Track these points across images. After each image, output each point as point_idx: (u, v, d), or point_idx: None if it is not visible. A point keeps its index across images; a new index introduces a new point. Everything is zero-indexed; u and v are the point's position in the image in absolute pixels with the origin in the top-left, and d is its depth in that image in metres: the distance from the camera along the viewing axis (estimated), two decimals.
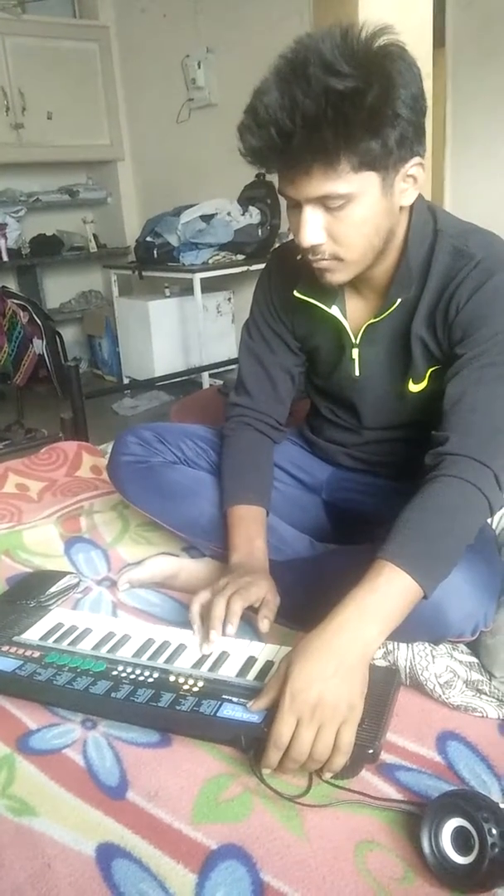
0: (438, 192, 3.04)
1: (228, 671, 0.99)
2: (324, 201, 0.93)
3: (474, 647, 1.06)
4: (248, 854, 0.79)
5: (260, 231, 3.71)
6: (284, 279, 1.18)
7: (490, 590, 1.01)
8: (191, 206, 3.73)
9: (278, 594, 1.09)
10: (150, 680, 0.98)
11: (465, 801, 0.76)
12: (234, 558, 1.14)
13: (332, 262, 1.00)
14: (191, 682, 0.96)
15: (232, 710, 0.90)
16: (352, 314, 1.14)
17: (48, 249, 4.65)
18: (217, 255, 3.69)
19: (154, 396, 4.08)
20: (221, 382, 3.08)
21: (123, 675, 0.99)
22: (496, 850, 0.71)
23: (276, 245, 3.29)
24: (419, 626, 0.95)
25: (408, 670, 1.01)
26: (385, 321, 1.10)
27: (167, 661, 1.02)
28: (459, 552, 0.94)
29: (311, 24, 3.25)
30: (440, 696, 0.99)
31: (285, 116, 0.85)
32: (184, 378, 3.71)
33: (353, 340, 1.15)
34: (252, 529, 1.16)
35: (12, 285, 4.58)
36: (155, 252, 3.82)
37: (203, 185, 4.06)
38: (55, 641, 1.09)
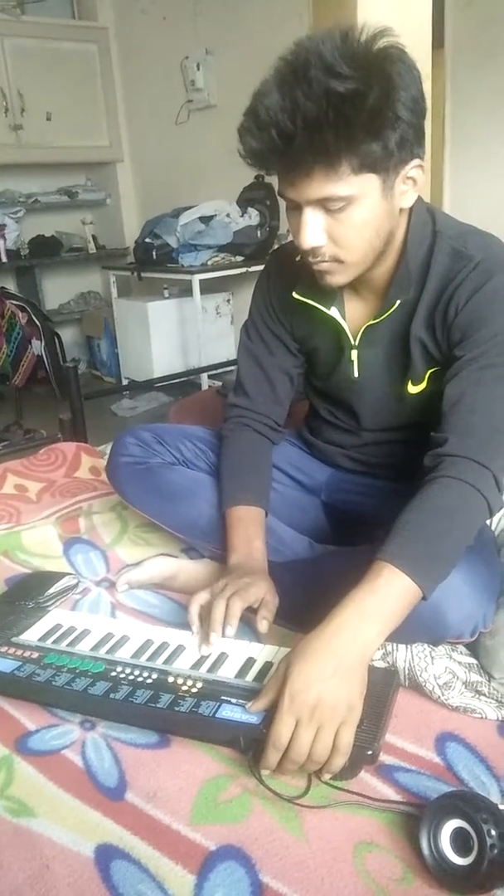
0: (437, 194, 3.04)
1: (227, 672, 0.99)
2: (324, 203, 0.93)
3: (473, 649, 1.06)
4: (246, 855, 0.79)
5: (259, 232, 3.72)
6: (283, 280, 1.18)
7: (489, 591, 1.01)
8: (190, 207, 3.73)
9: (277, 595, 1.09)
10: (149, 681, 0.97)
11: (465, 803, 0.76)
12: (233, 559, 1.14)
13: (333, 265, 1.00)
14: (189, 683, 0.96)
15: (231, 711, 0.90)
16: (351, 315, 1.14)
17: (47, 250, 4.65)
18: (216, 256, 3.69)
19: (153, 397, 4.08)
20: (220, 384, 3.08)
21: (122, 675, 0.99)
22: (495, 851, 0.71)
23: (275, 246, 3.30)
24: (418, 627, 0.95)
25: (407, 671, 1.01)
26: (384, 323, 1.10)
27: (166, 661, 1.02)
28: (458, 553, 0.94)
29: (311, 25, 3.25)
30: (439, 697, 0.99)
31: (286, 118, 0.85)
32: (182, 379, 3.71)
33: (352, 342, 1.15)
34: (251, 530, 1.16)
35: (11, 286, 4.57)
36: (154, 253, 3.82)
37: (202, 187, 4.06)
38: (54, 642, 1.09)
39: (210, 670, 1.00)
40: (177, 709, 0.92)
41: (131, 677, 0.98)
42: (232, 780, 0.89)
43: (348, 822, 0.83)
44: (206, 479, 1.29)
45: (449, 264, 1.02)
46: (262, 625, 1.04)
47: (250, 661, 1.01)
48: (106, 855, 0.80)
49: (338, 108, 0.83)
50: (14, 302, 3.83)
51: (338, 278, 1.02)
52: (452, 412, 0.99)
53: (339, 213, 0.93)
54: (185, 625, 1.08)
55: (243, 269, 3.72)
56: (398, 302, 1.07)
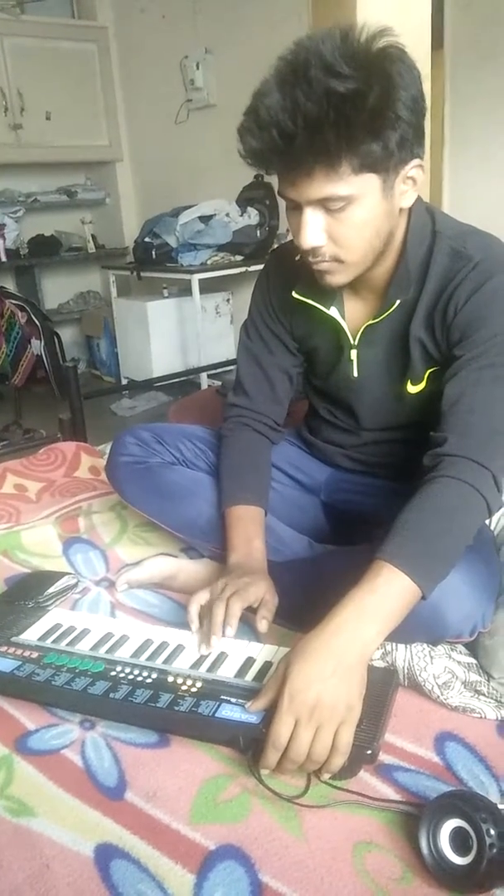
0: (437, 194, 3.04)
1: (227, 672, 0.99)
2: (324, 203, 0.93)
3: (473, 648, 1.06)
4: (246, 854, 0.79)
5: (258, 232, 3.71)
6: (283, 280, 1.18)
7: (488, 591, 1.01)
8: (189, 206, 3.73)
9: (277, 594, 1.09)
10: (149, 680, 0.98)
11: (464, 802, 0.76)
12: (233, 558, 1.14)
13: (333, 264, 1.00)
14: (189, 682, 0.96)
15: (230, 711, 0.90)
16: (350, 315, 1.14)
17: (46, 250, 4.65)
18: (215, 255, 3.69)
19: (152, 397, 4.08)
20: (220, 383, 3.08)
21: (122, 675, 0.99)
22: (494, 850, 0.71)
23: (275, 246, 3.30)
24: (417, 626, 0.95)
25: (406, 671, 1.01)
26: (384, 322, 1.10)
27: (165, 661, 1.03)
28: (458, 553, 0.94)
29: (310, 25, 3.26)
30: (438, 696, 0.99)
31: (287, 118, 0.85)
32: (182, 379, 3.71)
33: (352, 341, 1.15)
34: (250, 529, 1.17)
35: (10, 286, 4.57)
36: (153, 253, 3.82)
37: (201, 186, 4.06)
38: (53, 642, 1.09)
39: (209, 670, 1.00)
40: (176, 708, 0.92)
41: (131, 677, 0.98)
42: (231, 780, 0.89)
43: (348, 821, 0.83)
44: (205, 478, 1.29)
45: (448, 264, 1.03)
46: (262, 624, 1.04)
47: (250, 661, 1.02)
48: (106, 854, 0.80)
49: (338, 107, 0.83)
50: (13, 301, 3.83)
51: (338, 278, 1.02)
52: (451, 412, 0.99)
53: (340, 212, 0.93)
54: (184, 624, 1.08)
55: (243, 269, 3.72)
56: (398, 302, 1.07)
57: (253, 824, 0.83)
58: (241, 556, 1.13)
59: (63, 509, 1.64)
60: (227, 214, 3.66)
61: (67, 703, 1.00)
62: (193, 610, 1.06)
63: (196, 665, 1.01)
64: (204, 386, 3.70)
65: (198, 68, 3.95)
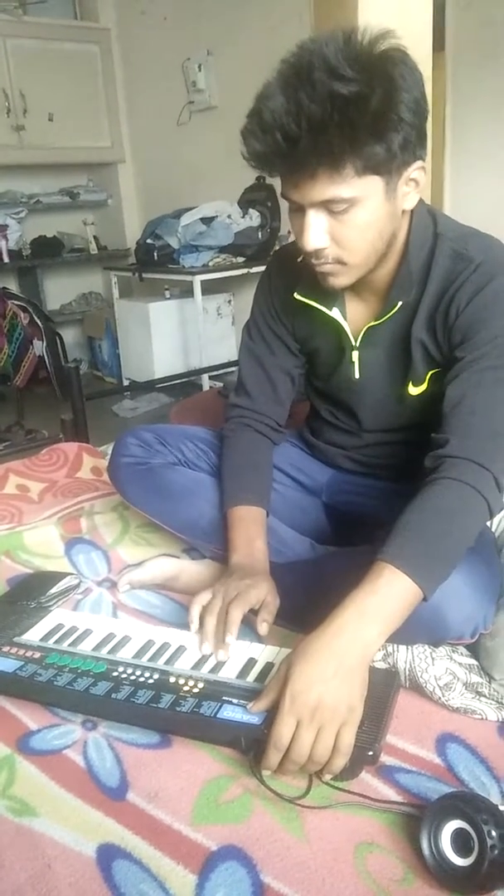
0: (438, 195, 3.05)
1: (228, 673, 1.00)
2: (328, 205, 0.93)
3: (474, 650, 1.06)
4: (248, 855, 0.79)
5: (260, 234, 3.72)
6: (285, 281, 1.18)
7: (490, 592, 1.01)
8: (191, 208, 3.73)
9: (278, 595, 1.09)
10: (151, 681, 0.98)
11: (465, 804, 0.76)
12: (234, 559, 1.14)
13: (336, 266, 1.00)
14: (191, 683, 0.97)
15: (232, 712, 0.90)
16: (352, 317, 1.14)
17: (49, 251, 4.65)
18: (217, 257, 3.69)
19: (154, 398, 4.09)
20: (221, 384, 3.08)
21: (124, 676, 0.99)
22: (496, 851, 0.72)
23: (276, 248, 3.30)
24: (419, 628, 0.95)
25: (407, 672, 1.01)
26: (385, 324, 1.10)
27: (167, 662, 1.03)
28: (459, 554, 0.94)
29: (311, 27, 3.26)
30: (440, 698, 0.99)
31: (291, 121, 0.85)
32: (184, 380, 3.71)
33: (353, 343, 1.15)
34: (252, 530, 1.17)
35: (13, 286, 4.58)
36: (155, 254, 3.82)
37: (203, 188, 4.06)
38: (56, 642, 1.09)
39: (211, 671, 1.00)
40: (178, 709, 0.92)
41: (133, 677, 0.99)
42: (233, 781, 0.89)
43: (349, 822, 0.83)
44: (207, 479, 1.29)
45: (450, 266, 1.03)
46: (262, 627, 1.04)
47: (251, 662, 1.02)
48: (108, 855, 0.81)
49: (342, 110, 0.84)
50: (16, 302, 3.84)
51: (341, 280, 1.02)
52: (453, 414, 1.00)
53: (343, 214, 0.93)
54: (186, 625, 1.08)
55: (244, 271, 3.72)
56: (399, 303, 1.07)
57: (254, 825, 0.83)
58: (243, 556, 1.14)
59: (65, 510, 1.64)
60: (229, 216, 3.66)
61: (69, 704, 1.00)
62: (195, 611, 1.06)
63: (198, 666, 1.01)
64: (205, 387, 3.70)
65: (200, 70, 3.95)
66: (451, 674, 1.01)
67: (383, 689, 0.92)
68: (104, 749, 0.95)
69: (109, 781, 0.91)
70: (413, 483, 1.00)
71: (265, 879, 0.77)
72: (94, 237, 4.83)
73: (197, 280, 3.65)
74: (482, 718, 0.98)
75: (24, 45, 4.25)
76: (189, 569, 1.32)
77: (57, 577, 1.33)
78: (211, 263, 3.68)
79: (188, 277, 3.69)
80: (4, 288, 4.07)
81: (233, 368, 2.39)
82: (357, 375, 1.18)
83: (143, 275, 3.99)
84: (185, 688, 0.96)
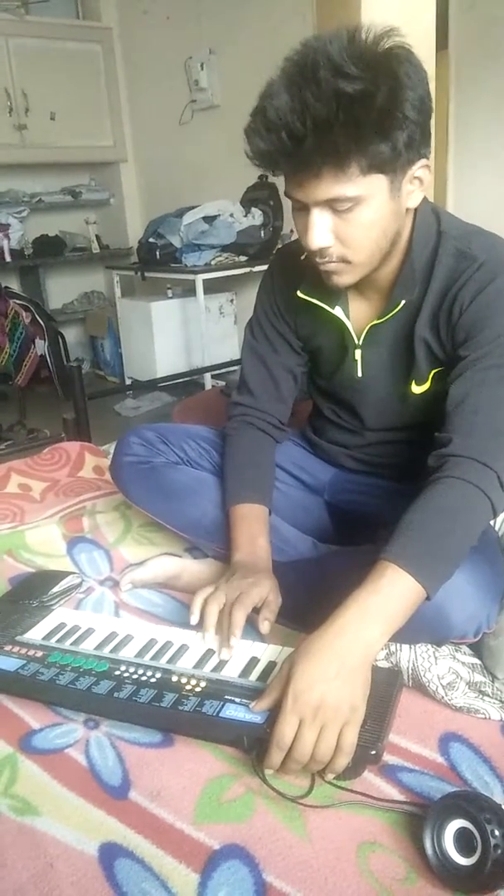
0: (441, 194, 3.04)
1: (231, 672, 1.00)
2: (332, 204, 0.93)
3: (477, 649, 1.06)
4: (250, 854, 0.79)
5: (262, 232, 3.72)
6: (287, 279, 1.18)
7: (493, 591, 1.01)
8: (193, 207, 3.73)
9: (280, 594, 1.09)
10: (153, 680, 0.98)
11: (468, 803, 0.76)
12: (237, 557, 1.14)
13: (340, 265, 1.00)
14: (193, 682, 0.96)
15: (234, 711, 0.90)
16: (355, 315, 1.14)
17: (51, 250, 4.66)
18: (219, 256, 3.69)
19: (156, 397, 4.09)
20: (224, 383, 3.09)
21: (126, 675, 0.99)
22: (499, 851, 0.71)
23: (279, 246, 3.30)
24: (422, 627, 0.95)
25: (410, 672, 1.01)
26: (388, 322, 1.10)
27: (170, 661, 1.03)
28: (462, 554, 0.94)
29: (314, 26, 3.26)
30: (443, 697, 0.99)
31: (296, 120, 0.85)
32: (186, 379, 3.72)
33: (356, 341, 1.15)
34: (254, 528, 1.17)
35: (15, 286, 4.58)
36: (157, 253, 3.82)
37: (205, 187, 4.06)
38: (58, 641, 1.09)
39: (214, 670, 1.00)
40: (180, 708, 0.92)
41: (135, 676, 0.99)
42: (235, 780, 0.89)
43: (352, 821, 0.83)
44: (209, 478, 1.29)
45: (453, 265, 1.03)
46: (264, 626, 1.04)
47: (254, 661, 1.02)
48: (110, 853, 0.80)
49: (348, 108, 0.83)
50: (18, 301, 3.84)
51: (345, 278, 1.02)
52: (456, 412, 0.99)
53: (347, 213, 0.93)
54: (188, 624, 1.08)
55: (247, 269, 3.72)
56: (402, 302, 1.07)
57: (257, 824, 0.83)
58: (246, 554, 1.14)
59: (67, 509, 1.64)
60: (231, 215, 3.66)
61: (71, 703, 1.00)
62: (197, 603, 1.06)
63: (200, 665, 1.01)
64: (208, 386, 3.70)
65: (202, 69, 3.95)
66: (455, 673, 1.01)
67: (386, 688, 0.92)
68: (106, 748, 0.95)
69: (112, 780, 0.90)
70: (416, 482, 1.00)
71: (267, 878, 0.77)
72: (97, 236, 4.83)
73: (199, 279, 3.65)
74: (485, 718, 0.98)
75: (27, 44, 4.25)
76: (191, 568, 1.32)
77: (59, 576, 1.33)
78: (213, 262, 3.68)
79: (190, 276, 3.69)
80: (6, 287, 4.07)
81: (235, 367, 2.39)
82: (360, 374, 1.18)
83: (146, 274, 3.99)
84: (188, 687, 0.96)
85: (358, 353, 1.16)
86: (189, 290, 3.96)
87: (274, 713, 0.86)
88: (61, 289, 5.03)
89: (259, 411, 1.27)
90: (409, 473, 1.13)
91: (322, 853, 0.79)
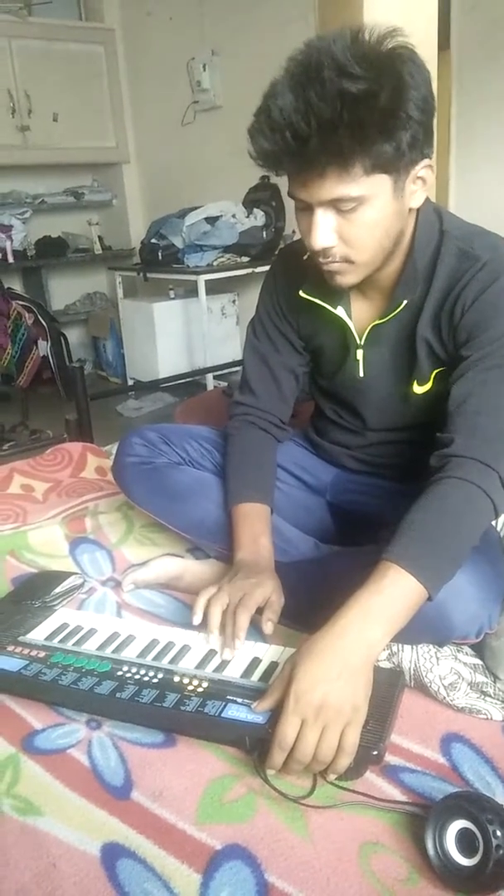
0: (443, 194, 3.05)
1: (233, 672, 1.00)
2: (336, 204, 0.93)
3: (479, 649, 1.06)
4: (252, 854, 0.79)
5: (265, 233, 3.72)
6: (290, 279, 1.18)
7: (494, 592, 1.01)
8: (195, 208, 3.73)
9: (283, 594, 1.09)
10: (155, 680, 0.98)
11: (470, 803, 0.76)
12: (240, 556, 1.14)
13: (343, 265, 1.00)
14: (195, 682, 0.97)
15: (236, 711, 0.90)
16: (357, 315, 1.14)
17: (53, 251, 4.66)
18: (222, 257, 3.69)
19: (158, 398, 4.09)
20: (226, 384, 3.09)
21: (128, 675, 0.99)
22: (500, 851, 0.71)
23: (281, 246, 3.30)
24: (423, 627, 0.95)
25: (412, 672, 1.01)
26: (390, 322, 1.10)
27: (172, 661, 1.03)
28: (464, 554, 0.94)
29: (316, 27, 3.25)
30: (444, 697, 0.99)
31: (300, 119, 0.85)
32: (188, 380, 3.72)
33: (358, 341, 1.15)
34: (257, 527, 1.17)
35: (17, 287, 4.59)
36: (160, 254, 3.83)
37: (208, 188, 4.07)
38: (60, 641, 1.09)
39: (216, 670, 1.00)
40: (182, 708, 0.92)
41: (137, 676, 0.99)
42: (237, 780, 0.89)
43: (353, 822, 0.83)
44: (211, 478, 1.29)
45: (455, 265, 1.03)
46: (267, 626, 1.04)
47: (256, 661, 1.02)
48: (112, 854, 0.80)
49: (351, 108, 0.83)
50: (20, 302, 3.84)
51: (348, 278, 1.02)
52: (458, 413, 0.99)
53: (351, 213, 0.93)
54: (190, 625, 1.08)
55: (249, 270, 3.73)
56: (404, 302, 1.07)
57: (259, 824, 0.83)
58: (248, 553, 1.14)
59: (69, 509, 1.64)
60: (234, 216, 3.67)
61: (74, 703, 1.00)
62: (200, 602, 1.06)
63: (202, 665, 1.01)
64: (210, 387, 3.71)
65: (204, 70, 3.96)
66: (456, 673, 1.01)
67: (388, 688, 0.92)
68: (108, 748, 0.95)
69: (114, 780, 0.91)
70: (417, 482, 1.00)
71: (269, 879, 0.77)
72: (99, 237, 4.83)
73: (201, 280, 3.65)
74: (487, 718, 0.98)
75: (29, 45, 4.26)
76: (193, 568, 1.32)
77: (61, 576, 1.34)
78: (215, 263, 3.68)
79: (192, 277, 3.70)
80: (9, 288, 4.07)
81: (237, 368, 2.39)
82: (361, 374, 1.18)
83: (148, 275, 4.00)
84: (190, 687, 0.96)
85: (360, 353, 1.16)
86: (191, 291, 3.96)
87: (276, 713, 0.86)
88: (64, 290, 5.04)
89: (261, 411, 1.27)
90: (411, 474, 1.13)
91: (324, 853, 0.79)
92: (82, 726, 0.99)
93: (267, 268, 1.30)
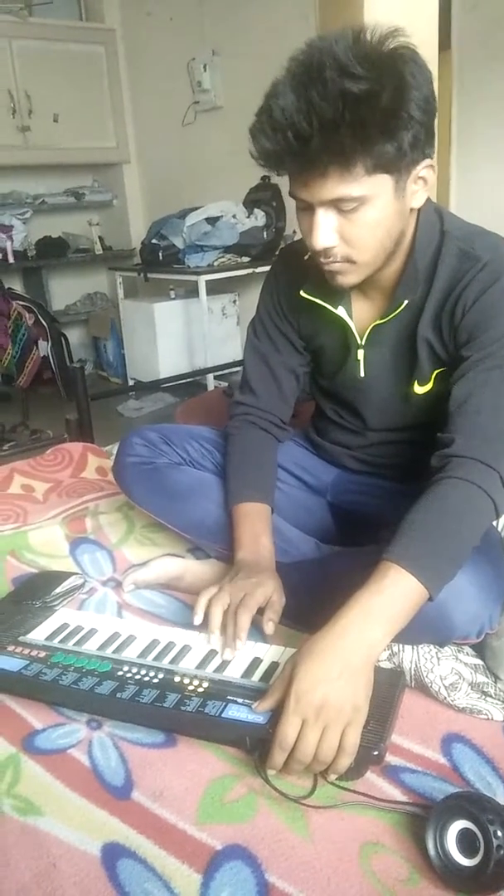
0: (444, 194, 3.05)
1: (233, 672, 1.00)
2: (337, 204, 0.93)
3: (480, 649, 1.06)
4: (252, 855, 0.79)
5: (265, 233, 3.72)
6: (290, 279, 1.18)
7: (495, 592, 1.01)
8: (196, 208, 3.73)
9: (284, 594, 1.09)
10: (156, 680, 0.98)
11: (471, 804, 0.76)
12: (240, 555, 1.14)
13: (344, 265, 1.00)
14: (196, 682, 0.97)
15: (237, 711, 0.90)
16: (358, 315, 1.14)
17: (54, 251, 4.66)
18: (222, 257, 3.69)
19: (159, 398, 4.09)
20: (226, 384, 3.08)
21: (129, 675, 0.99)
22: (501, 852, 0.71)
23: (282, 246, 3.30)
24: (424, 627, 0.95)
25: (413, 672, 1.01)
26: (391, 323, 1.10)
27: (172, 661, 1.03)
28: (465, 554, 0.94)
29: (317, 27, 3.25)
30: (445, 698, 0.99)
31: (302, 119, 0.85)
32: (189, 380, 3.72)
33: (359, 341, 1.15)
34: (257, 526, 1.17)
35: (18, 287, 4.59)
36: (160, 254, 3.83)
37: (208, 188, 4.07)
38: (61, 641, 1.09)
39: (216, 670, 1.00)
40: (183, 708, 0.92)
41: (137, 677, 0.99)
42: (238, 780, 0.89)
43: (354, 822, 0.83)
44: (212, 479, 1.29)
45: (456, 265, 1.03)
46: (268, 627, 1.04)
47: (256, 661, 1.02)
48: (112, 854, 0.80)
49: (353, 108, 0.83)
50: (21, 303, 3.84)
51: (349, 278, 1.02)
52: (459, 413, 0.99)
53: (352, 213, 0.93)
54: (191, 625, 1.08)
55: (249, 270, 3.73)
56: (405, 302, 1.07)
57: (259, 824, 0.83)
58: (249, 552, 1.14)
59: (70, 510, 1.64)
60: (234, 216, 3.67)
61: (74, 703, 1.00)
62: (202, 602, 1.06)
63: (203, 665, 1.01)
64: (210, 387, 3.71)
65: (205, 70, 3.96)
66: (457, 674, 1.01)
67: (388, 688, 0.92)
68: (109, 748, 0.95)
69: (114, 781, 0.90)
70: (418, 483, 1.00)
71: (270, 879, 0.77)
72: (100, 237, 4.83)
73: (202, 280, 3.65)
74: (488, 718, 0.98)
75: (30, 46, 4.26)
76: (194, 568, 1.32)
77: (62, 576, 1.34)
78: (216, 263, 3.68)
79: (193, 277, 3.70)
80: (9, 288, 4.07)
81: (238, 368, 2.40)
82: (362, 374, 1.18)
83: (148, 275, 4.00)
84: (190, 687, 0.96)
85: (360, 353, 1.16)
86: (192, 292, 3.96)
87: (276, 714, 0.86)
88: (64, 290, 5.04)
89: (261, 410, 1.27)
90: (412, 474, 1.13)
91: (324, 854, 0.79)
92: (83, 726, 0.99)
93: (267, 268, 1.30)
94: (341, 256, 0.98)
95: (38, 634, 1.12)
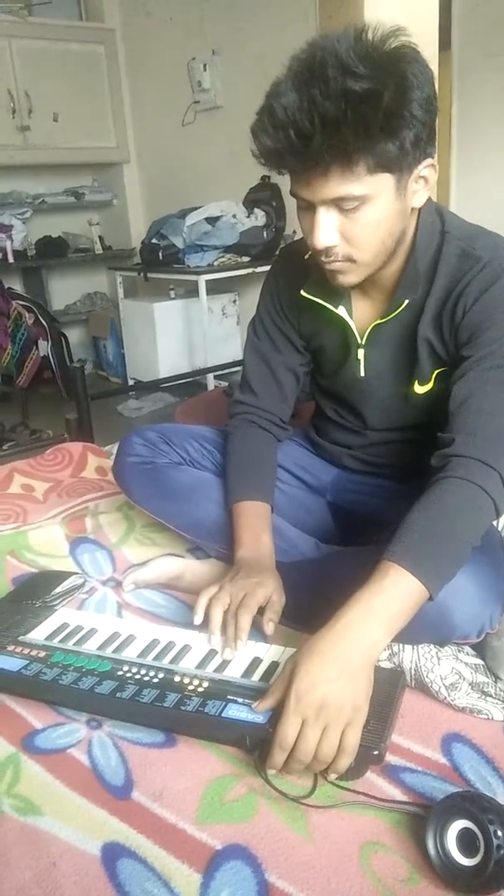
0: (444, 194, 3.05)
1: (233, 672, 1.00)
2: (338, 203, 0.93)
3: (480, 649, 1.06)
4: (252, 854, 0.79)
5: (265, 233, 3.72)
6: (291, 279, 1.18)
7: (495, 592, 1.01)
8: (196, 208, 3.73)
9: (284, 594, 1.09)
10: (156, 680, 0.98)
11: (471, 803, 0.76)
12: (240, 553, 1.14)
13: (345, 264, 1.00)
14: (196, 682, 0.96)
15: (237, 711, 0.90)
16: (358, 315, 1.14)
17: (54, 251, 4.66)
18: (222, 257, 3.69)
19: (159, 398, 4.09)
20: (226, 384, 3.09)
21: (129, 675, 0.99)
22: (501, 851, 0.71)
23: (282, 246, 3.30)
24: (424, 627, 0.95)
25: (413, 672, 1.01)
26: (391, 322, 1.10)
27: (172, 661, 1.03)
28: (465, 554, 0.94)
29: (317, 27, 3.26)
30: (445, 697, 0.99)
31: (304, 118, 0.85)
32: (189, 380, 3.72)
33: (359, 341, 1.15)
34: (257, 525, 1.17)
35: (18, 287, 4.58)
36: (160, 254, 3.82)
37: (208, 188, 4.07)
38: (61, 641, 1.09)
39: (216, 670, 1.00)
40: (183, 708, 0.92)
41: (137, 676, 0.99)
42: (238, 780, 0.89)
43: (354, 822, 0.83)
44: (212, 478, 1.29)
45: (457, 265, 1.03)
46: (268, 627, 1.04)
47: (256, 661, 1.02)
48: (112, 853, 0.80)
49: (355, 107, 0.83)
50: (21, 302, 3.84)
51: (350, 278, 1.02)
52: (459, 412, 0.99)
53: (354, 212, 0.93)
54: (191, 624, 1.08)
55: (249, 270, 3.73)
56: (406, 302, 1.07)
57: (259, 824, 0.83)
58: (249, 551, 1.14)
59: (70, 509, 1.64)
60: (234, 216, 3.66)
61: (74, 703, 1.00)
62: (202, 602, 1.06)
63: (203, 665, 1.01)
64: (210, 387, 3.71)
65: (205, 70, 3.95)
66: (457, 673, 1.01)
67: (389, 688, 0.92)
68: (109, 748, 0.95)
69: (114, 780, 0.90)
70: (418, 482, 1.00)
71: (270, 878, 0.77)
72: (100, 237, 4.83)
73: (202, 280, 3.65)
74: (488, 718, 0.98)
75: (30, 45, 4.26)
76: (194, 568, 1.32)
77: (62, 576, 1.34)
78: (216, 263, 3.68)
79: (193, 277, 3.69)
80: (9, 288, 4.07)
81: (238, 368, 2.40)
82: (362, 374, 1.18)
83: (148, 275, 3.99)
84: (190, 687, 0.96)
85: (361, 353, 1.16)
86: (192, 291, 3.96)
87: (277, 713, 0.86)
88: (64, 290, 5.03)
89: (261, 410, 1.27)
90: (412, 473, 1.13)
91: (325, 853, 0.79)
92: (83, 726, 0.99)
93: (267, 268, 1.30)
94: (342, 256, 0.98)
95: (38, 634, 1.12)
